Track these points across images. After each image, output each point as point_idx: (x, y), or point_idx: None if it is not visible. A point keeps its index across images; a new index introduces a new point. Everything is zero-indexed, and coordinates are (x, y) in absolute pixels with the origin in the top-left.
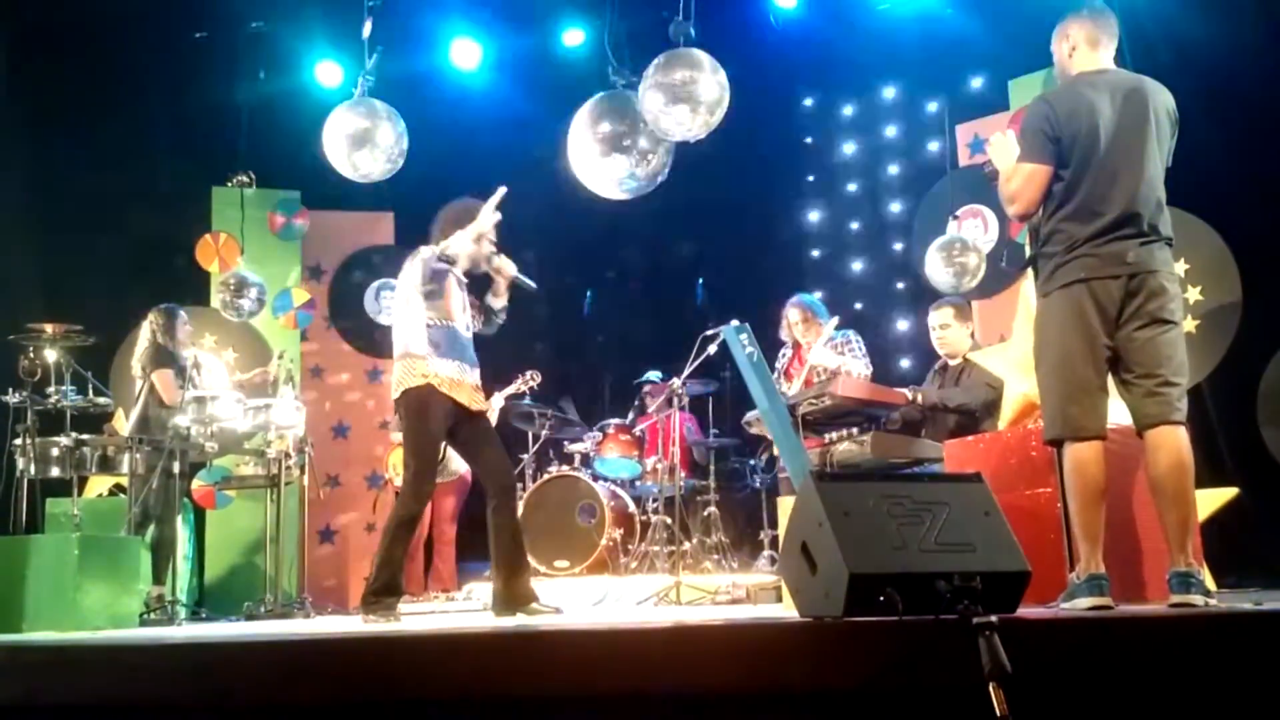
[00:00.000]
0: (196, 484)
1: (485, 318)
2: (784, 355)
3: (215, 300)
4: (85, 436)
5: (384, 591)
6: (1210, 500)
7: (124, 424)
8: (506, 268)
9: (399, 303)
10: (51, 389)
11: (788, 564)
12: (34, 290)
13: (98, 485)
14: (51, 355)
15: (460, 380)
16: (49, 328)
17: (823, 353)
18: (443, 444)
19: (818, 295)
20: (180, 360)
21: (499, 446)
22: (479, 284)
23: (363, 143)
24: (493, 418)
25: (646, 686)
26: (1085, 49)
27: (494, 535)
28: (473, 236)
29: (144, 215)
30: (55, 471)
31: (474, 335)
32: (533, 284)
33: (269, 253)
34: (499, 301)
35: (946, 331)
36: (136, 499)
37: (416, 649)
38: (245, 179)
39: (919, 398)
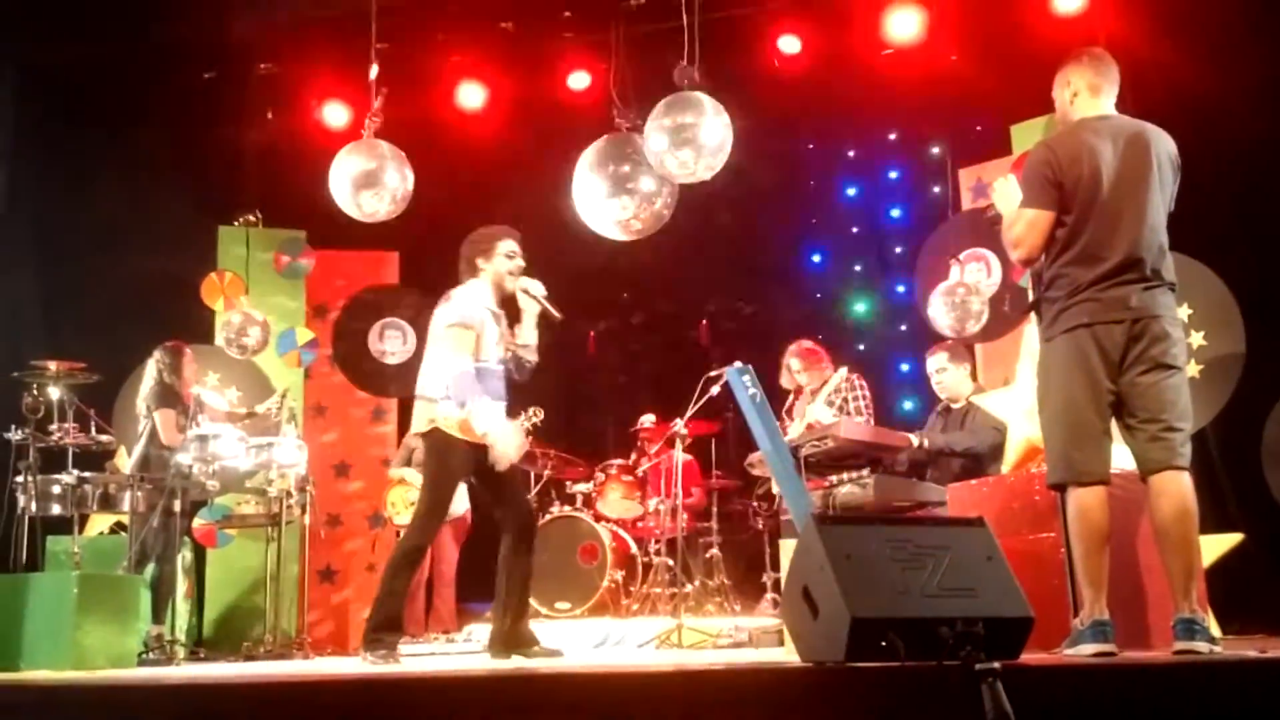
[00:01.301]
0: (198, 522)
1: (517, 363)
2: (792, 400)
3: (219, 338)
4: (87, 474)
5: (385, 627)
6: (1215, 546)
7: (126, 462)
8: (533, 289)
9: (430, 342)
10: (54, 426)
11: (789, 608)
12: (38, 327)
13: (99, 523)
14: (55, 392)
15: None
16: (52, 365)
17: (821, 411)
18: (459, 484)
19: (819, 338)
20: (184, 399)
21: (521, 486)
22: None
23: (368, 184)
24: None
25: None
26: (1086, 95)
27: (505, 575)
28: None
29: (149, 253)
30: (56, 509)
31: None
32: (557, 314)
33: (274, 291)
34: (526, 335)
35: (943, 375)
36: (137, 537)
37: (416, 691)
38: (253, 218)
39: (925, 442)
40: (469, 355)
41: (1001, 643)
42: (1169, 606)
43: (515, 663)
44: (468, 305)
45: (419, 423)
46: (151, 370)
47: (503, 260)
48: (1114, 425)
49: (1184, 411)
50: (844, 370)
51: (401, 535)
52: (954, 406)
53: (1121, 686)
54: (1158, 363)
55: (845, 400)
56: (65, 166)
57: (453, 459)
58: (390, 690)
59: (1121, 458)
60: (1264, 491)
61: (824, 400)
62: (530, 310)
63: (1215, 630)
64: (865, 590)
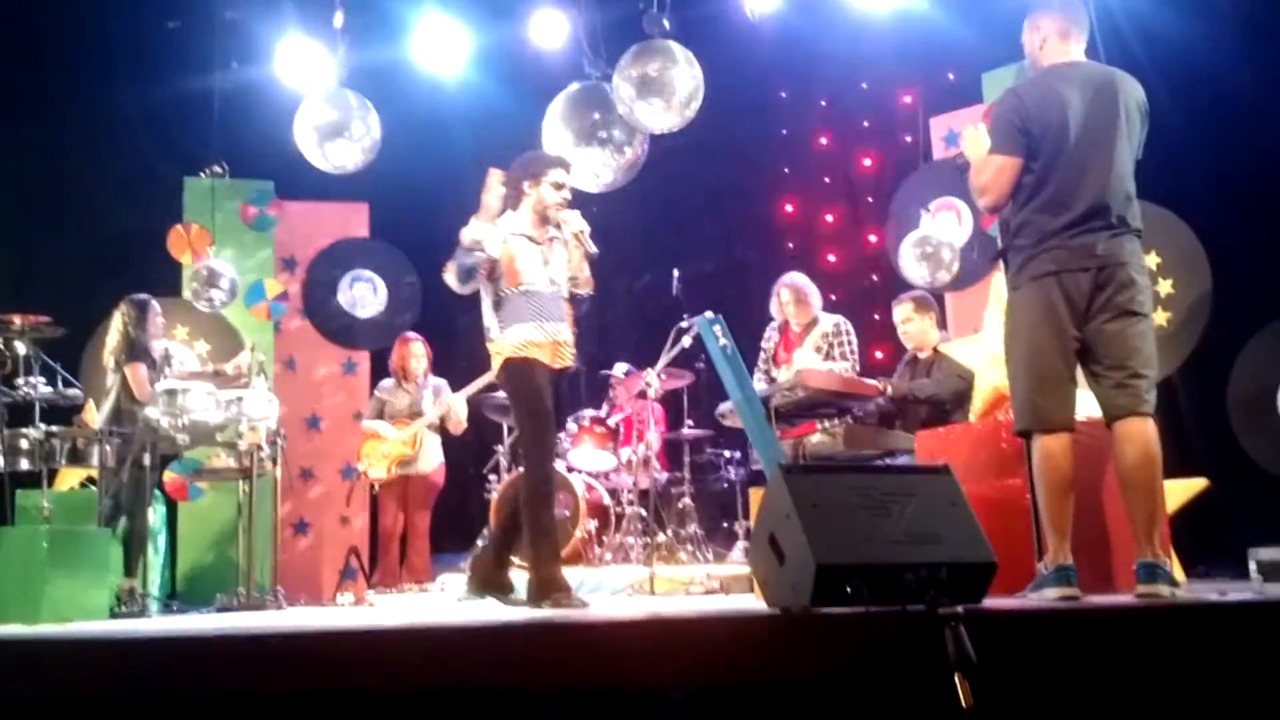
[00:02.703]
0: (168, 476)
1: (569, 294)
2: (769, 338)
3: (187, 291)
4: (55, 428)
5: (550, 569)
6: (1181, 491)
7: (95, 416)
8: (572, 222)
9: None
10: (20, 380)
11: (757, 555)
12: (3, 282)
13: (69, 478)
14: (21, 347)
15: (541, 341)
16: (17, 319)
17: (809, 357)
18: (548, 399)
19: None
20: (152, 353)
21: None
22: None
23: (335, 134)
24: (462, 410)
25: (620, 677)
26: (1056, 41)
27: (511, 513)
28: (485, 220)
29: (115, 206)
30: (25, 464)
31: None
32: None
33: (242, 244)
34: (574, 267)
35: (909, 325)
36: (107, 491)
37: (390, 641)
38: (220, 170)
39: (888, 389)
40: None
41: (965, 588)
42: (1132, 551)
43: (490, 612)
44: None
45: (494, 363)
46: (117, 323)
47: (549, 189)
48: (1080, 372)
49: (1149, 358)
50: (837, 318)
51: (523, 473)
52: (921, 356)
53: (1084, 630)
54: (1124, 310)
55: (832, 347)
56: (27, 118)
57: (532, 378)
58: (365, 640)
59: (1087, 405)
60: (1230, 438)
61: (812, 347)
62: (570, 241)
63: (1180, 574)
64: (830, 538)
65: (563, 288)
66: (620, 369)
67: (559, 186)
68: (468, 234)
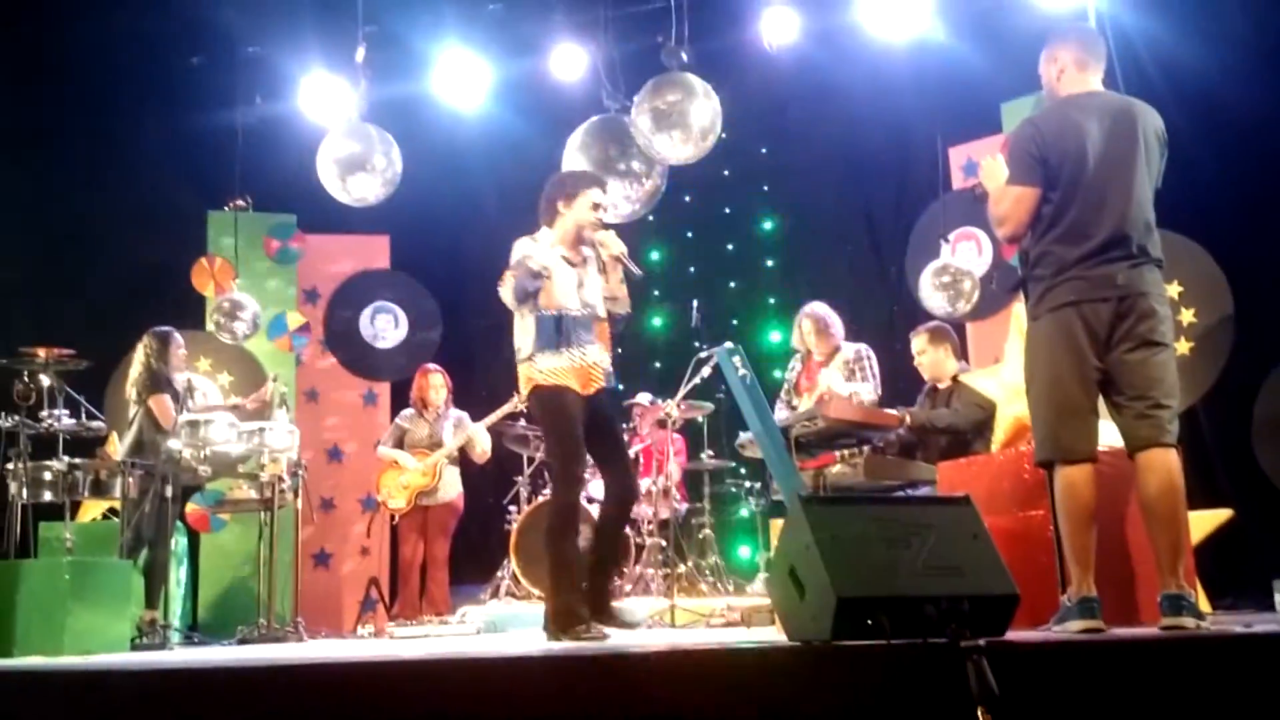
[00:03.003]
0: (190, 507)
1: (607, 314)
2: (793, 369)
3: (210, 324)
4: (78, 461)
5: (569, 601)
6: (1205, 522)
7: (118, 448)
8: (610, 244)
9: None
10: (45, 413)
11: (777, 587)
12: (28, 314)
13: (92, 510)
14: (45, 380)
15: (571, 369)
16: (42, 352)
17: (834, 377)
18: (579, 426)
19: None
20: (175, 384)
21: (625, 452)
22: None
23: (357, 167)
24: (485, 439)
25: (638, 710)
26: (1073, 71)
27: (599, 539)
28: (524, 256)
29: (139, 240)
30: (48, 496)
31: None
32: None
33: (264, 276)
34: (612, 287)
35: (923, 357)
36: (129, 523)
37: (409, 673)
38: (243, 203)
39: (907, 418)
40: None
41: (987, 620)
42: (1157, 583)
43: (508, 645)
44: (522, 253)
45: (522, 386)
46: (140, 356)
47: (585, 209)
48: (1101, 403)
49: (1171, 388)
50: (859, 345)
51: (550, 500)
52: (940, 386)
53: (1108, 663)
54: (1145, 340)
55: (854, 372)
56: (54, 153)
57: (564, 405)
58: (383, 673)
59: (1109, 435)
60: (1254, 468)
61: (836, 368)
62: (612, 263)
63: (1204, 606)
64: (851, 570)
65: (598, 309)
66: (645, 398)
67: (595, 206)
68: (520, 249)
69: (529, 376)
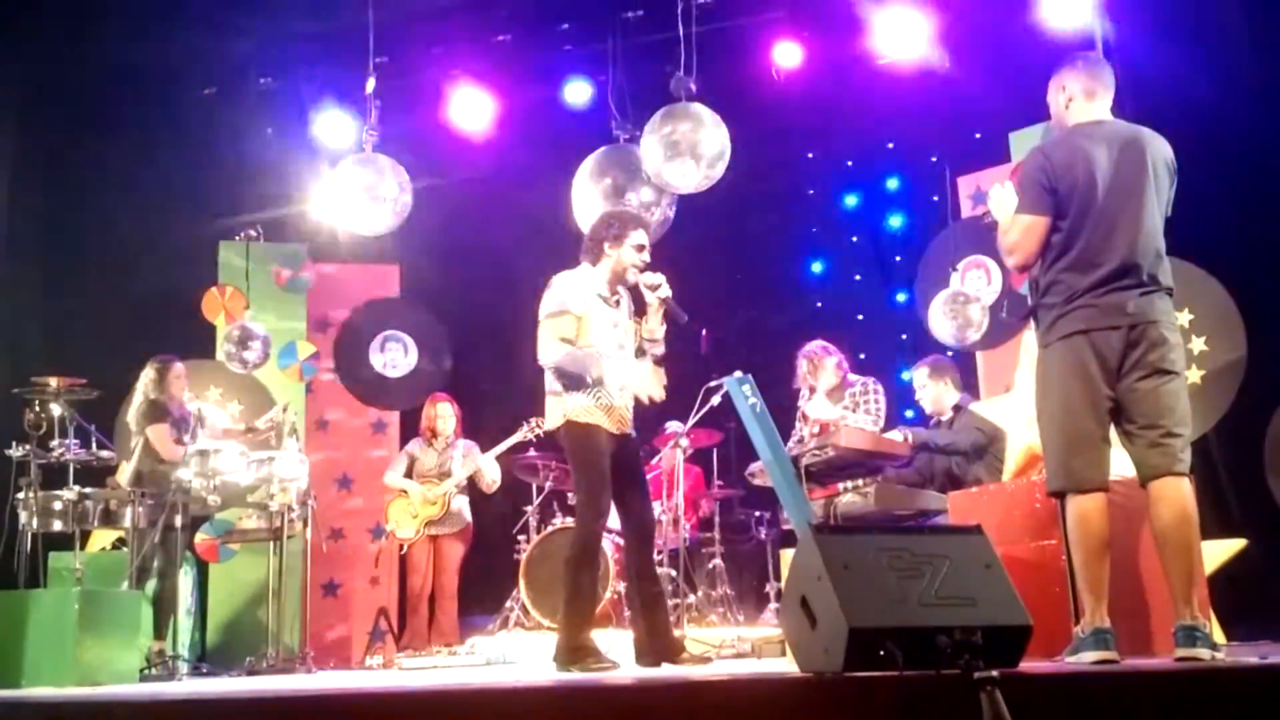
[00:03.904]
0: (200, 537)
1: (642, 355)
2: (803, 399)
3: (220, 353)
4: (88, 490)
5: (582, 633)
6: (1219, 552)
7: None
8: (657, 287)
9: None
10: (55, 442)
11: (788, 618)
12: (39, 344)
13: (101, 539)
14: (56, 409)
15: (601, 409)
16: (53, 381)
17: (821, 407)
18: (606, 460)
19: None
20: (173, 413)
21: (647, 489)
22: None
23: (367, 197)
24: (494, 470)
25: None
26: (1081, 100)
27: (632, 584)
28: (588, 356)
29: (150, 269)
30: (58, 525)
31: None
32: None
33: (275, 305)
34: (652, 329)
35: (924, 391)
36: (138, 553)
37: (417, 705)
38: (254, 233)
39: (909, 437)
40: (569, 344)
41: (1000, 651)
42: (1171, 613)
43: (517, 676)
44: (567, 291)
45: (552, 418)
46: (140, 386)
47: (630, 251)
48: (1113, 431)
49: (1183, 417)
50: (867, 378)
51: (574, 529)
52: (943, 419)
53: (1122, 694)
54: (1156, 368)
55: (858, 405)
56: (66, 182)
57: (594, 441)
58: (391, 705)
59: (1121, 464)
60: (1267, 497)
61: (820, 397)
62: (654, 304)
63: (1218, 637)
64: (863, 600)
65: (629, 348)
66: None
67: (640, 248)
68: (562, 288)
69: (562, 412)
